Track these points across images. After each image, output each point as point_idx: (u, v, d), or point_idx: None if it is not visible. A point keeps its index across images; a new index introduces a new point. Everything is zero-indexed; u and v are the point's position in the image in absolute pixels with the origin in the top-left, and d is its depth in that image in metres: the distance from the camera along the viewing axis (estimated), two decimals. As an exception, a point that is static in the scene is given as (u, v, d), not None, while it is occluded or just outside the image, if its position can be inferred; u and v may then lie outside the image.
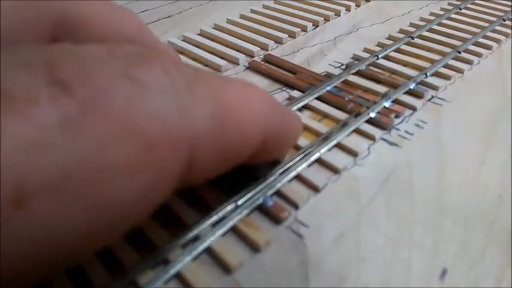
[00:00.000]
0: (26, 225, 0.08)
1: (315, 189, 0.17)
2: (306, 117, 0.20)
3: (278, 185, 0.16)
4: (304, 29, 0.30)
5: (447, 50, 0.26)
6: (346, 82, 0.23)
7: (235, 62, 0.26)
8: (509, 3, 0.33)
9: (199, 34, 0.29)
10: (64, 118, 0.08)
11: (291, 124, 0.16)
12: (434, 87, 0.23)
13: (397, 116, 0.21)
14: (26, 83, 0.08)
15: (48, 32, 0.13)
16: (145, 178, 0.09)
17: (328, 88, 0.22)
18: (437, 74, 0.24)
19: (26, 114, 0.08)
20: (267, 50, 0.27)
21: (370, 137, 0.19)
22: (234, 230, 0.15)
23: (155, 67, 0.10)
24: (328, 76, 0.24)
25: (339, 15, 0.32)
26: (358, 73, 0.24)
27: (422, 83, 0.23)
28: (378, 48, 0.26)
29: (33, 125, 0.08)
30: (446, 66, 0.25)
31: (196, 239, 0.14)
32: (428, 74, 0.23)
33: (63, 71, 0.09)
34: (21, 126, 0.08)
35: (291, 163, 0.17)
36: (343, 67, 0.25)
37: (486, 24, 0.29)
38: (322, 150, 0.18)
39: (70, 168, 0.08)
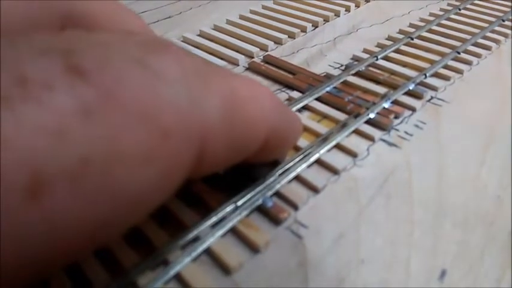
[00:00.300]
0: (41, 214, 0.08)
1: (314, 190, 0.17)
2: (305, 118, 0.20)
3: (277, 186, 0.16)
4: (303, 29, 0.30)
5: (446, 50, 0.26)
6: (345, 83, 0.23)
7: (234, 62, 0.26)
8: (509, 3, 0.33)
9: (198, 35, 0.29)
10: (81, 105, 0.08)
11: (293, 124, 0.16)
12: (433, 88, 0.23)
13: (396, 117, 0.21)
14: (43, 70, 0.08)
15: (56, 29, 0.13)
16: (160, 166, 0.09)
17: (328, 89, 0.22)
18: (436, 75, 0.24)
19: (42, 101, 0.08)
20: (267, 51, 0.27)
21: (370, 138, 0.19)
22: (234, 231, 0.15)
23: (168, 56, 0.10)
24: (328, 77, 0.24)
25: (339, 16, 0.32)
26: (358, 74, 0.24)
27: (421, 83, 0.23)
28: (377, 49, 0.26)
29: (50, 112, 0.08)
30: (446, 66, 0.25)
31: (195, 239, 0.14)
32: (427, 74, 0.23)
33: (79, 58, 0.09)
34: (38, 113, 0.08)
35: (291, 164, 0.17)
36: (343, 68, 0.25)
37: (485, 25, 0.29)
38: (322, 151, 0.18)
39: (87, 156, 0.08)
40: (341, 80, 0.23)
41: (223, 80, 0.12)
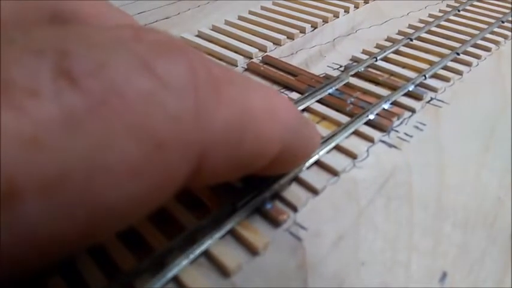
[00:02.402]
0: (16, 223, 0.07)
1: (313, 191, 0.16)
2: (304, 119, 0.20)
3: (277, 188, 0.16)
4: (302, 30, 0.29)
5: (446, 51, 0.26)
6: (344, 84, 0.23)
7: (233, 63, 0.26)
8: (508, 5, 0.33)
9: (197, 36, 0.29)
10: (66, 114, 0.08)
11: (309, 141, 0.15)
12: (433, 89, 0.23)
13: (396, 118, 0.21)
14: (31, 73, 0.08)
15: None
16: (149, 180, 0.09)
17: (330, 91, 0.22)
18: (436, 76, 0.24)
19: (24, 109, 0.07)
20: (265, 52, 0.27)
21: (369, 139, 0.19)
22: (232, 233, 0.15)
23: (181, 62, 0.10)
24: (327, 78, 0.24)
25: (338, 17, 0.32)
26: (357, 75, 0.24)
27: (421, 84, 0.23)
28: (376, 50, 0.26)
29: (31, 121, 0.07)
30: (445, 68, 0.25)
31: (193, 241, 0.14)
32: (427, 75, 0.23)
33: (73, 60, 0.08)
34: (18, 121, 0.07)
35: (290, 165, 0.17)
36: (342, 69, 0.25)
37: (485, 26, 0.29)
38: (321, 153, 0.18)
39: (68, 169, 0.08)
40: (341, 81, 0.23)
41: (237, 92, 0.11)
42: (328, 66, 0.26)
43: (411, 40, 0.28)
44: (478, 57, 0.26)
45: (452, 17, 0.31)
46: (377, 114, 0.20)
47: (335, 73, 0.24)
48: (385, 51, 0.26)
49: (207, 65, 0.10)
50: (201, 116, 0.10)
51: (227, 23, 0.31)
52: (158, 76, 0.09)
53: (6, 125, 0.07)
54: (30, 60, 0.08)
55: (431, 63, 0.25)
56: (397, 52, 0.26)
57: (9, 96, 0.07)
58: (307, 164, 0.17)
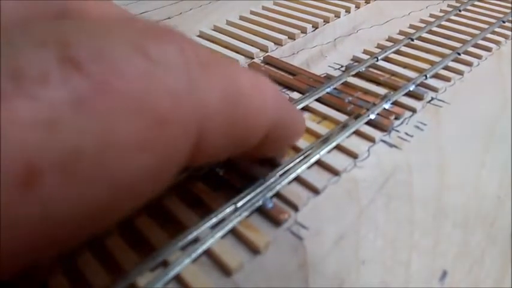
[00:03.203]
0: (35, 203, 0.08)
1: (314, 191, 0.17)
2: (305, 119, 0.20)
3: (278, 187, 0.16)
4: (303, 30, 0.30)
5: (447, 51, 0.26)
6: (345, 84, 0.23)
7: (234, 63, 0.26)
8: (509, 4, 0.33)
9: (198, 36, 0.29)
10: (75, 97, 0.08)
11: (295, 121, 0.16)
12: (434, 89, 0.23)
13: (396, 118, 0.21)
14: (38, 61, 0.08)
15: None
16: (155, 155, 0.09)
17: (328, 90, 0.22)
18: (437, 76, 0.24)
19: (35, 94, 0.08)
20: (267, 52, 0.27)
21: (370, 139, 0.19)
22: (234, 232, 0.15)
23: (170, 43, 0.10)
24: (328, 78, 0.24)
25: (339, 17, 0.32)
26: (358, 75, 0.24)
27: (422, 84, 0.23)
28: (377, 50, 0.26)
29: (43, 105, 0.08)
30: (446, 68, 0.25)
31: (195, 241, 0.14)
32: (428, 75, 0.23)
33: (76, 48, 0.09)
34: (31, 105, 0.08)
35: (291, 165, 0.17)
36: (343, 69, 0.25)
37: (485, 26, 0.29)
38: (322, 152, 0.18)
39: (81, 147, 0.08)
40: (341, 81, 0.23)
41: (225, 70, 0.12)
42: (329, 66, 0.26)
43: (412, 40, 0.28)
44: (478, 57, 0.26)
45: (453, 17, 0.31)
46: (378, 114, 0.20)
47: (336, 73, 0.24)
48: (386, 51, 0.26)
49: (194, 47, 0.11)
50: (195, 92, 0.10)
51: (228, 23, 0.31)
52: (151, 57, 0.10)
53: (22, 112, 0.08)
54: (34, 51, 0.08)
55: (432, 63, 0.25)
56: (398, 52, 0.26)
57: (21, 84, 0.08)
58: (308, 163, 0.17)
